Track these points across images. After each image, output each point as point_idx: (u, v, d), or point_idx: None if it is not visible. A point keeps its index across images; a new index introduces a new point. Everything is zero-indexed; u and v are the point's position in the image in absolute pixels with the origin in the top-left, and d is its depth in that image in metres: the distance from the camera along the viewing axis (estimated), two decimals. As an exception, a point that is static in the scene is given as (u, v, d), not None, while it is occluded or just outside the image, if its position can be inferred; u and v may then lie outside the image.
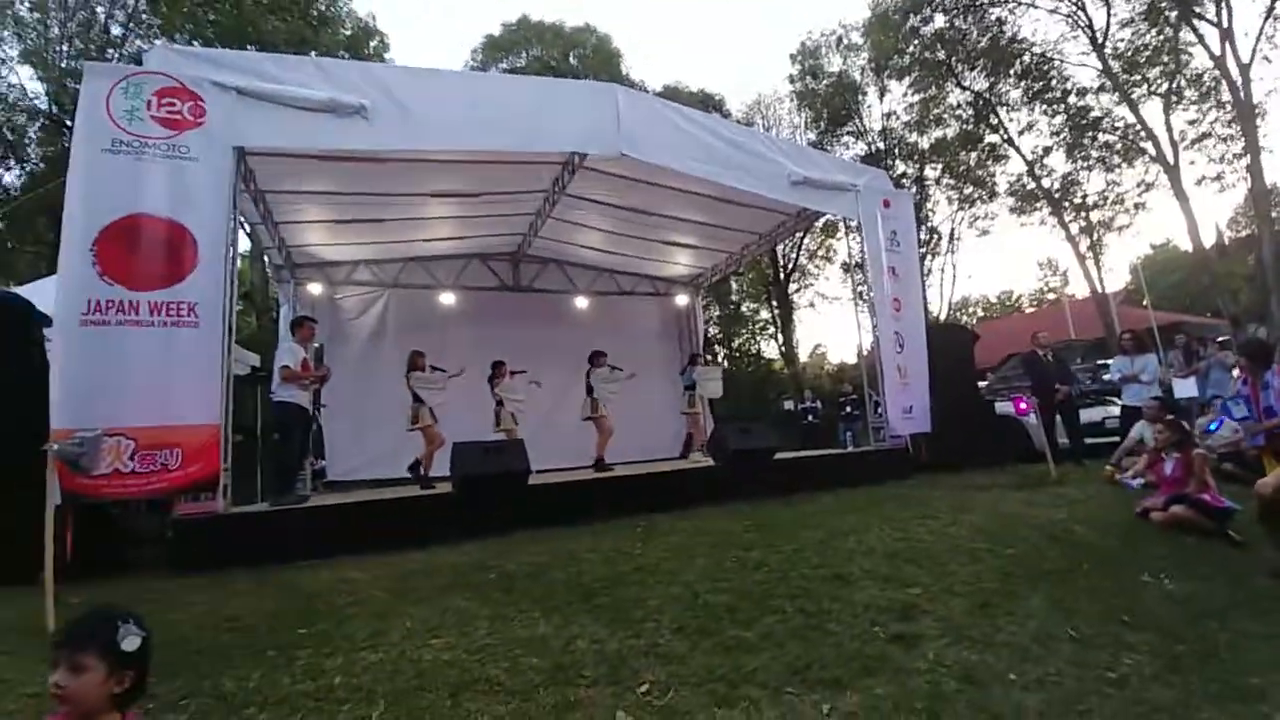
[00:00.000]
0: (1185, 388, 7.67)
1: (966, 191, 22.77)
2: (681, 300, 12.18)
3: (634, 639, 3.14)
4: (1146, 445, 5.37)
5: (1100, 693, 2.57)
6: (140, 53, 15.74)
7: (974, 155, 22.11)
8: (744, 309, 26.29)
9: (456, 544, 4.93)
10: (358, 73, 5.96)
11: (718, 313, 24.80)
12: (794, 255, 23.85)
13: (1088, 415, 8.27)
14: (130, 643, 1.24)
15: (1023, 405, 7.86)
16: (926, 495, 5.95)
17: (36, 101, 16.39)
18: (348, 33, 20.13)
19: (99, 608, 1.34)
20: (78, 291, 4.26)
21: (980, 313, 39.09)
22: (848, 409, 12.05)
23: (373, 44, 20.84)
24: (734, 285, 24.82)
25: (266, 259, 9.81)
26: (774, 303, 24.68)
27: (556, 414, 9.20)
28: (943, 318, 23.64)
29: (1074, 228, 20.59)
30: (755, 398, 21.29)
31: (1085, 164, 20.25)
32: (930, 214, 22.83)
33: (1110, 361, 9.47)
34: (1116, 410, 7.94)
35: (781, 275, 23.83)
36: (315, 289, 9.34)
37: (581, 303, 11.15)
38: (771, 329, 25.84)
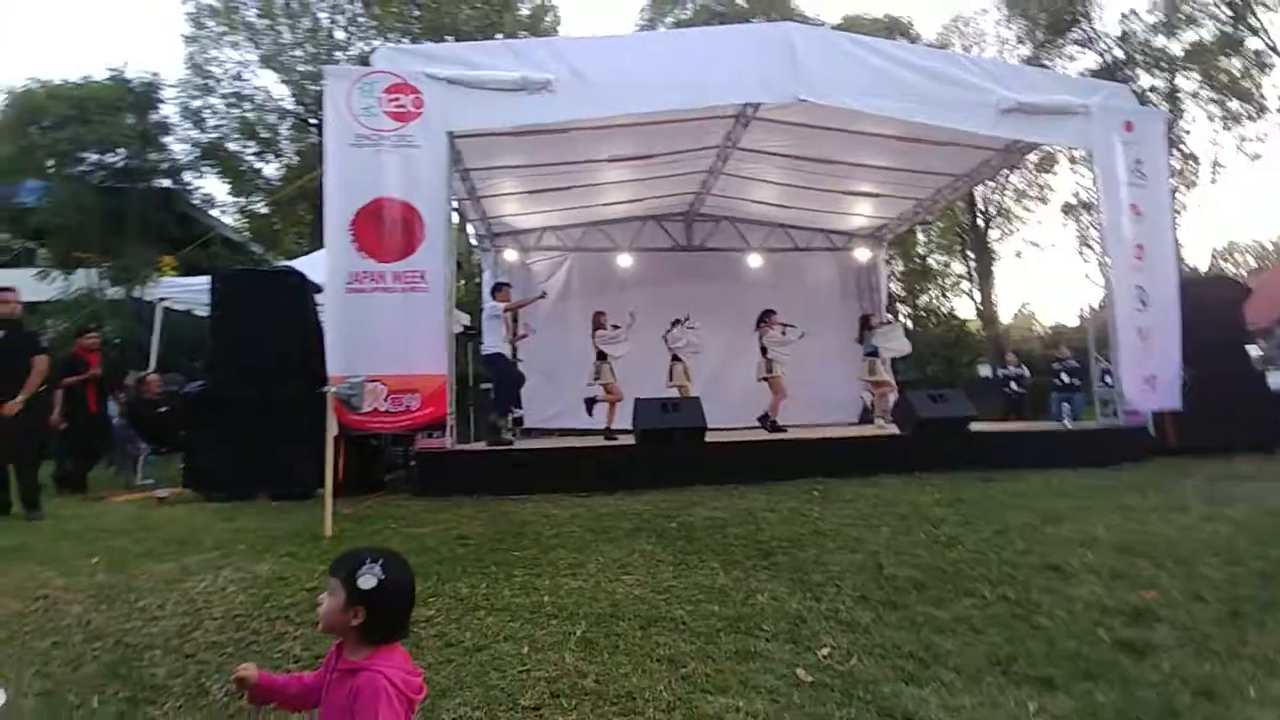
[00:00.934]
0: None
1: (1230, 107, 18.01)
2: (862, 255, 11.39)
3: (814, 601, 3.16)
4: None
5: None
6: (363, 54, 18.21)
7: (1236, 62, 17.33)
8: (932, 262, 23.79)
9: (639, 493, 5.30)
10: (544, 49, 6.33)
11: (901, 268, 22.78)
12: (997, 197, 20.90)
13: None
14: (365, 581, 1.33)
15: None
16: (1171, 483, 5.06)
17: (283, 103, 19.65)
18: (527, 12, 21.27)
19: (361, 549, 1.46)
20: (342, 265, 5.21)
21: (1251, 261, 31.23)
22: (1065, 378, 10.48)
23: (547, 19, 21.81)
24: (920, 236, 22.53)
25: (470, 230, 11.00)
26: (969, 254, 22.00)
27: (728, 373, 9.26)
28: (1202, 268, 19.30)
29: None
30: (946, 363, 19.38)
31: None
32: (1184, 135, 18.46)
33: None
34: None
35: (980, 221, 21.07)
36: (511, 255, 10.31)
37: (754, 260, 10.94)
38: (965, 284, 23.14)
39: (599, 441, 6.64)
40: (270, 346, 5.40)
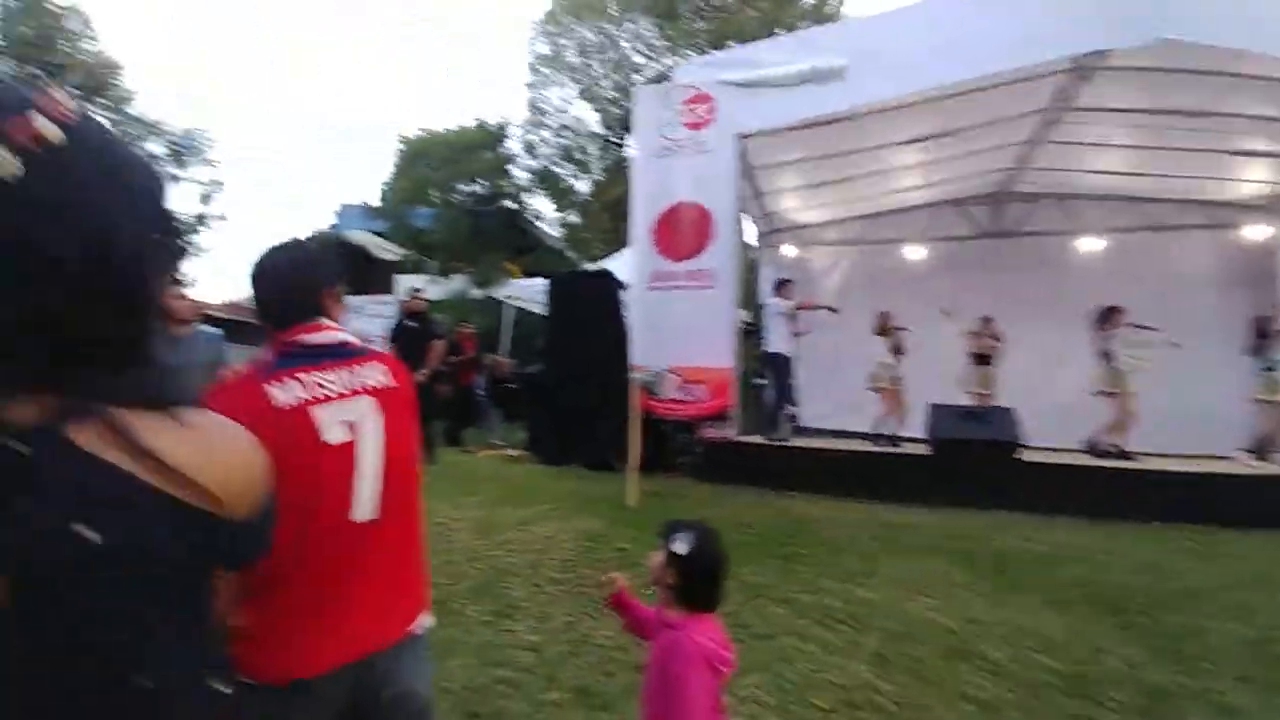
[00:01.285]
0: None
1: None
2: (1255, 233, 8.49)
3: (1181, 676, 2.53)
4: None
5: None
6: (657, 73, 19.96)
7: None
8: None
9: (932, 507, 4.85)
10: (832, 35, 6.16)
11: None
12: None
13: None
14: (678, 546, 1.47)
15: None
16: None
17: (593, 128, 22.60)
18: (811, 1, 20.74)
19: (683, 519, 1.59)
20: (644, 265, 5.84)
21: None
22: None
23: (830, 4, 20.94)
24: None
25: (751, 228, 11.24)
26: None
27: (1048, 381, 7.79)
28: None
29: None
30: None
31: None
32: None
33: None
34: None
35: None
36: (789, 251, 10.26)
37: (1089, 245, 8.99)
38: None
39: (886, 447, 6.23)
40: (589, 337, 6.35)
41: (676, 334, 5.62)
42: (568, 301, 6.83)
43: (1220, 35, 4.87)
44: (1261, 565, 3.58)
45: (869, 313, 7.42)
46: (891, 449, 6.11)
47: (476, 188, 20.12)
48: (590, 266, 9.06)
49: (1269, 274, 8.52)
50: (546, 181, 22.44)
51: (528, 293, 9.85)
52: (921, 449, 5.67)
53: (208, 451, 0.58)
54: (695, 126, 5.98)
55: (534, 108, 22.32)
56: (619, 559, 3.68)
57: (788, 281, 7.08)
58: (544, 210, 23.52)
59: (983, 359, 6.90)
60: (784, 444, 6.11)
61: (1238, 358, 7.12)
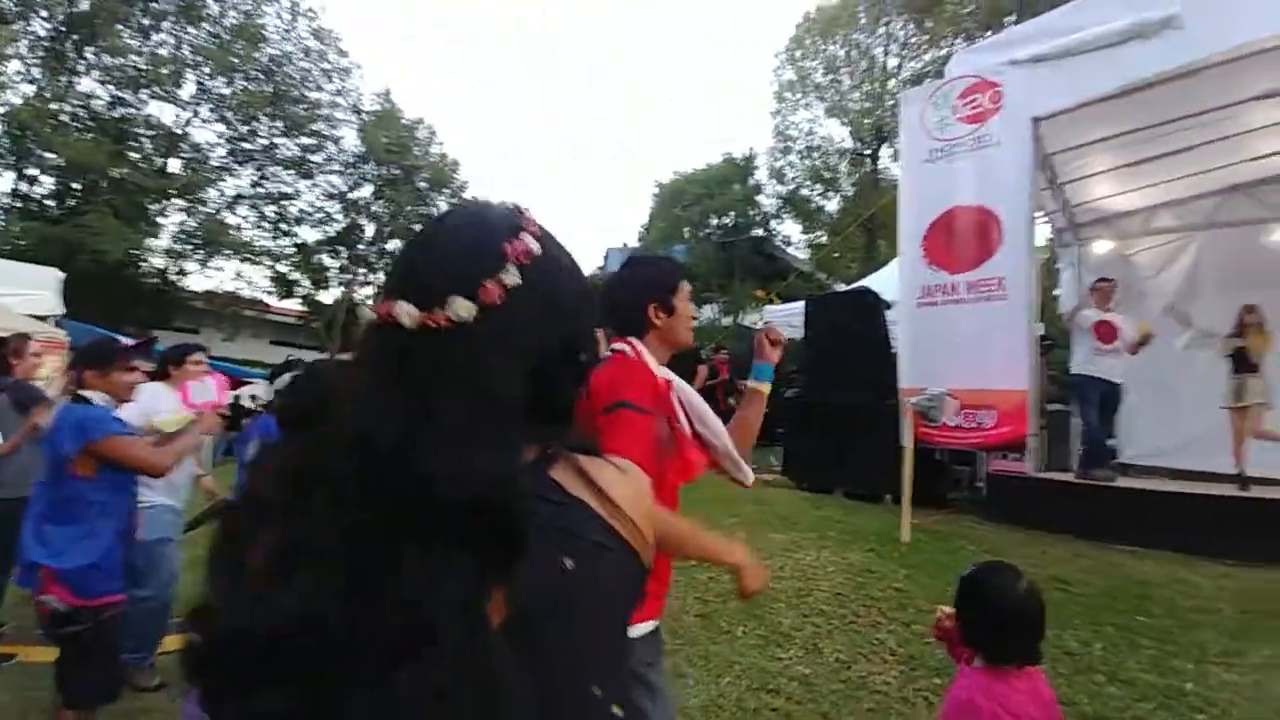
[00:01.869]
0: None
1: None
2: None
3: None
4: None
5: None
6: (915, 73, 18.38)
7: None
8: None
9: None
10: None
11: None
12: None
13: None
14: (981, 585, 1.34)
15: None
16: None
17: (842, 143, 21.66)
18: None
19: (987, 560, 1.45)
20: (912, 280, 5.38)
21: None
22: None
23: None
24: None
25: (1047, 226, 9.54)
26: None
27: None
28: None
29: None
30: None
31: None
32: None
33: None
34: None
35: None
36: (1101, 247, 8.43)
37: None
38: None
39: (1246, 491, 4.66)
40: (851, 359, 6.01)
41: (956, 352, 5.03)
42: (826, 323, 6.59)
43: None
44: None
45: (1228, 313, 5.66)
46: (1256, 495, 4.54)
47: (727, 220, 20.88)
48: (846, 287, 8.68)
49: None
50: (794, 205, 22.26)
51: (782, 318, 9.82)
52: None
53: (635, 491, 0.64)
54: (975, 119, 5.38)
55: (780, 134, 22.41)
56: (896, 598, 3.39)
57: (1101, 281, 5.76)
58: (792, 235, 23.34)
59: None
60: (1106, 484, 4.95)
61: None
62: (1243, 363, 5.14)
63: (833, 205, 22.29)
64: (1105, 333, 5.21)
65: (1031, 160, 5.11)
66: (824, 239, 21.60)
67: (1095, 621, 3.08)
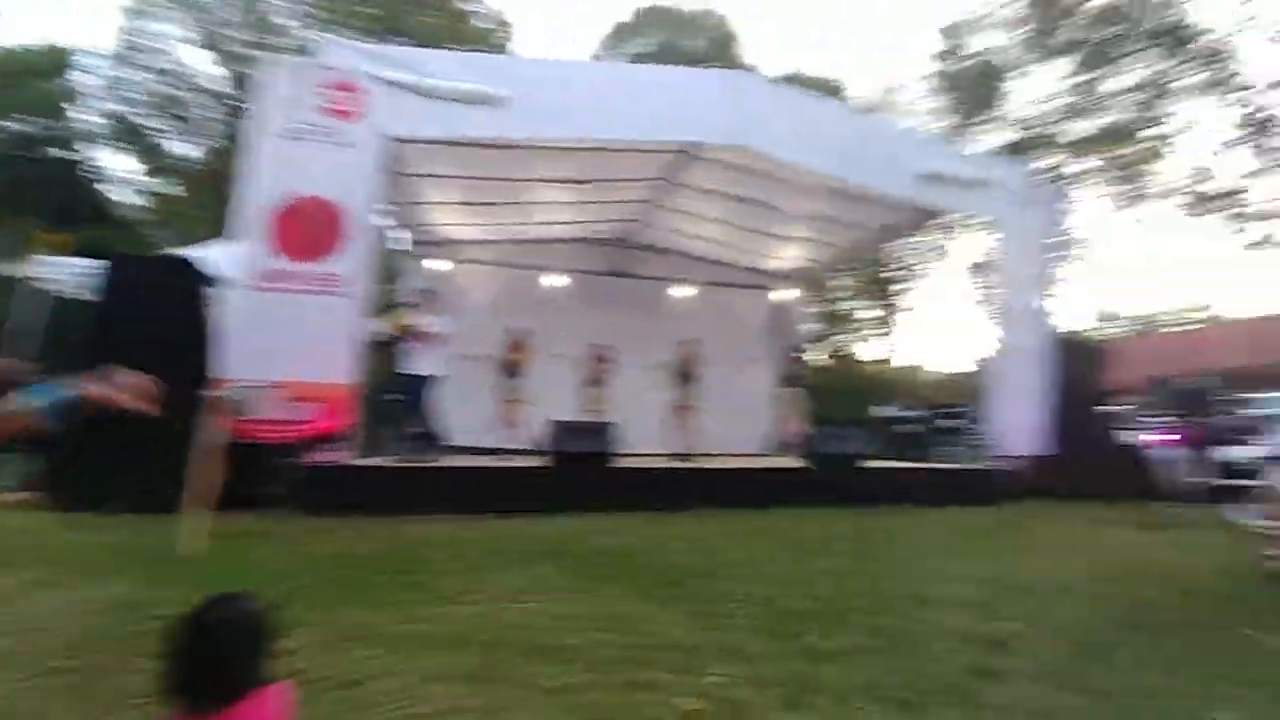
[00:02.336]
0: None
1: (1124, 189, 20.40)
2: (786, 295, 11.95)
3: (710, 632, 3.24)
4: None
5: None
6: (305, 43, 17.51)
7: (1131, 150, 19.74)
8: (846, 307, 25.25)
9: (549, 516, 5.25)
10: (499, 65, 6.41)
11: (818, 309, 24.02)
12: (907, 253, 22.52)
13: (1231, 453, 7.26)
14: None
15: (1158, 437, 7.09)
16: (1033, 525, 5.56)
17: (218, 86, 18.59)
18: (483, 26, 21.24)
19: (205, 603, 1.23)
20: (250, 259, 4.94)
21: (1114, 329, 35.09)
22: (951, 421, 11.34)
23: (498, 34, 21.82)
24: (839, 281, 23.89)
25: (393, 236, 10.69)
26: (880, 302, 23.51)
27: (649, 401, 9.37)
28: (1082, 332, 21.46)
29: (1240, 239, 17.91)
30: (852, 402, 20.50)
31: (1267, 164, 17.51)
32: (1075, 213, 20.68)
33: (1261, 396, 8.25)
34: (1260, 451, 6.87)
35: (890, 273, 22.62)
36: (436, 265, 10.11)
37: (686, 292, 11.24)
38: (874, 330, 24.67)
39: (511, 462, 6.54)
40: (152, 340, 4.90)
41: (289, 343, 4.90)
42: (126, 291, 5.29)
43: (782, 152, 6.73)
44: (771, 541, 4.87)
45: (513, 334, 7.80)
46: (519, 465, 6.46)
47: (19, 125, 14.16)
48: (176, 251, 7.26)
49: (791, 324, 12.04)
50: (132, 136, 17.41)
51: (74, 274, 7.33)
52: (545, 462, 6.14)
53: None
54: (336, 116, 5.39)
55: (126, 38, 17.21)
56: (159, 632, 2.92)
57: (430, 292, 6.90)
58: (133, 173, 18.18)
59: (595, 381, 7.90)
60: (407, 466, 5.87)
61: (772, 380, 9.80)
62: (513, 370, 7.13)
63: (197, 152, 18.57)
64: (425, 336, 6.22)
65: (381, 174, 5.58)
66: (183, 191, 17.76)
67: (370, 589, 3.52)
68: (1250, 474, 6.47)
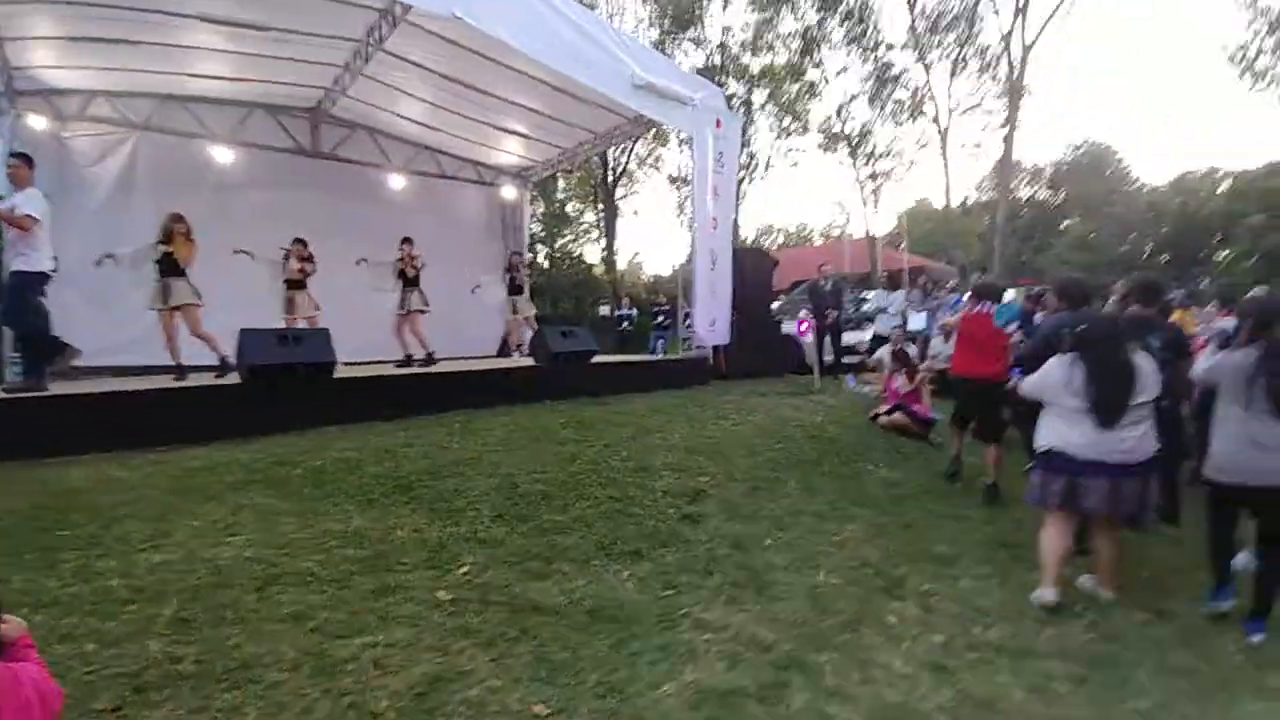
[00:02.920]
0: (918, 320, 9.49)
1: (785, 123, 24.35)
2: (509, 193, 11.65)
3: (454, 527, 3.31)
4: (885, 365, 6.66)
5: (827, 552, 3.37)
6: None
7: (796, 87, 23.52)
8: (569, 209, 25.92)
9: (246, 440, 4.55)
10: None
11: (542, 209, 24.17)
12: (624, 160, 23.79)
13: (850, 337, 9.84)
14: None
15: (802, 327, 9.16)
16: (720, 400, 6.79)
17: None
18: None
19: None
20: None
21: (781, 240, 43.18)
22: (661, 319, 12.88)
23: None
24: (561, 183, 24.22)
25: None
26: (600, 206, 24.66)
27: (365, 302, 8.50)
28: (750, 241, 25.68)
29: (863, 173, 23.35)
30: (575, 302, 21.62)
31: (881, 115, 22.78)
32: (752, 139, 24.14)
33: (869, 294, 11.29)
34: (868, 335, 9.53)
35: (610, 178, 23.74)
36: (38, 122, 7.22)
37: (397, 181, 10.12)
38: (595, 233, 25.97)
39: (180, 382, 5.36)
40: None
41: None
42: None
43: (498, 29, 6.14)
44: (503, 434, 5.01)
45: (161, 217, 6.02)
46: (197, 384, 5.36)
47: None
48: None
49: (516, 224, 11.87)
50: None
51: None
52: (232, 378, 5.20)
53: None
54: None
55: None
56: None
57: (22, 158, 4.87)
58: None
59: (295, 283, 6.82)
60: (34, 395, 4.42)
61: (498, 282, 9.65)
62: (171, 267, 5.61)
63: None
64: (18, 221, 4.49)
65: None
66: None
67: (15, 553, 2.70)
68: (863, 353, 8.88)
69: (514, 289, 9.06)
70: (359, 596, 2.60)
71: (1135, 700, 2.25)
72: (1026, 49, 19.11)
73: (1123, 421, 2.86)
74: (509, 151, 10.85)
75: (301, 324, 6.58)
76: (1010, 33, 19.20)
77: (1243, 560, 3.01)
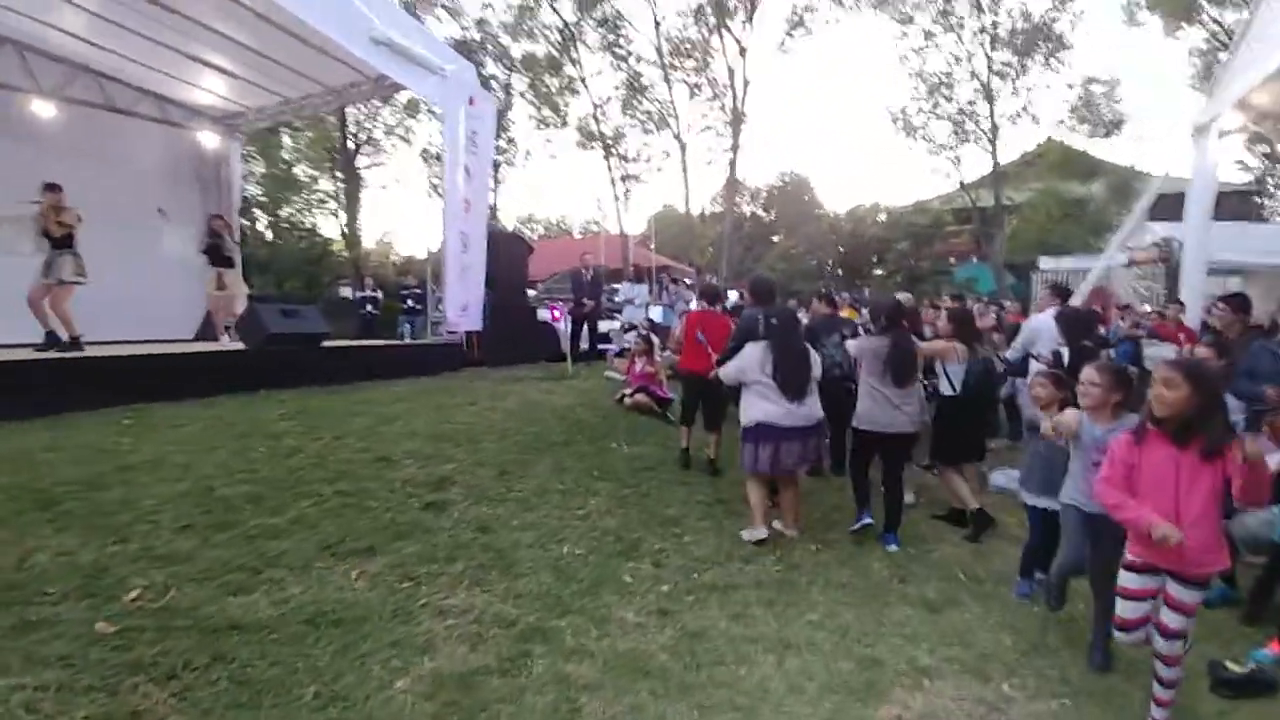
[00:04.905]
0: (656, 313, 10.43)
1: (544, 113, 24.51)
2: (210, 141, 9.63)
3: (119, 545, 2.65)
4: (632, 349, 7.15)
5: (572, 525, 3.50)
6: None
7: (555, 81, 23.81)
8: (299, 173, 22.54)
9: None
10: None
11: (263, 170, 20.64)
12: (370, 127, 21.50)
13: (605, 326, 10.37)
14: None
15: (555, 313, 9.38)
16: (472, 386, 6.59)
17: None
18: None
19: None
20: None
21: (541, 230, 43.56)
22: (409, 302, 12.00)
23: None
24: (287, 141, 20.95)
25: None
26: (338, 174, 21.93)
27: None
28: (510, 228, 25.33)
29: (617, 173, 24.70)
30: (308, 280, 18.92)
31: (632, 122, 24.33)
32: (511, 124, 23.79)
33: (619, 286, 12.08)
34: (618, 325, 10.22)
35: (351, 144, 21.24)
36: None
37: (45, 109, 7.65)
38: (333, 204, 23.02)
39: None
40: None
41: None
42: None
43: None
44: (197, 430, 4.16)
45: None
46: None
47: None
48: None
49: (221, 179, 9.86)
50: None
51: None
52: None
53: None
54: None
55: None
56: None
57: None
58: None
59: None
60: None
61: (192, 248, 7.91)
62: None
63: None
64: None
65: None
66: None
67: None
68: (613, 341, 9.39)
69: (220, 259, 7.56)
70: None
71: (809, 614, 2.78)
72: (746, 84, 22.24)
73: (805, 394, 3.53)
74: (208, 90, 8.94)
75: None
76: (732, 71, 22.14)
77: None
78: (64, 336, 5.48)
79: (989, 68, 20.12)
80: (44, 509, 2.82)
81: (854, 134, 70.30)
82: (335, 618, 2.36)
